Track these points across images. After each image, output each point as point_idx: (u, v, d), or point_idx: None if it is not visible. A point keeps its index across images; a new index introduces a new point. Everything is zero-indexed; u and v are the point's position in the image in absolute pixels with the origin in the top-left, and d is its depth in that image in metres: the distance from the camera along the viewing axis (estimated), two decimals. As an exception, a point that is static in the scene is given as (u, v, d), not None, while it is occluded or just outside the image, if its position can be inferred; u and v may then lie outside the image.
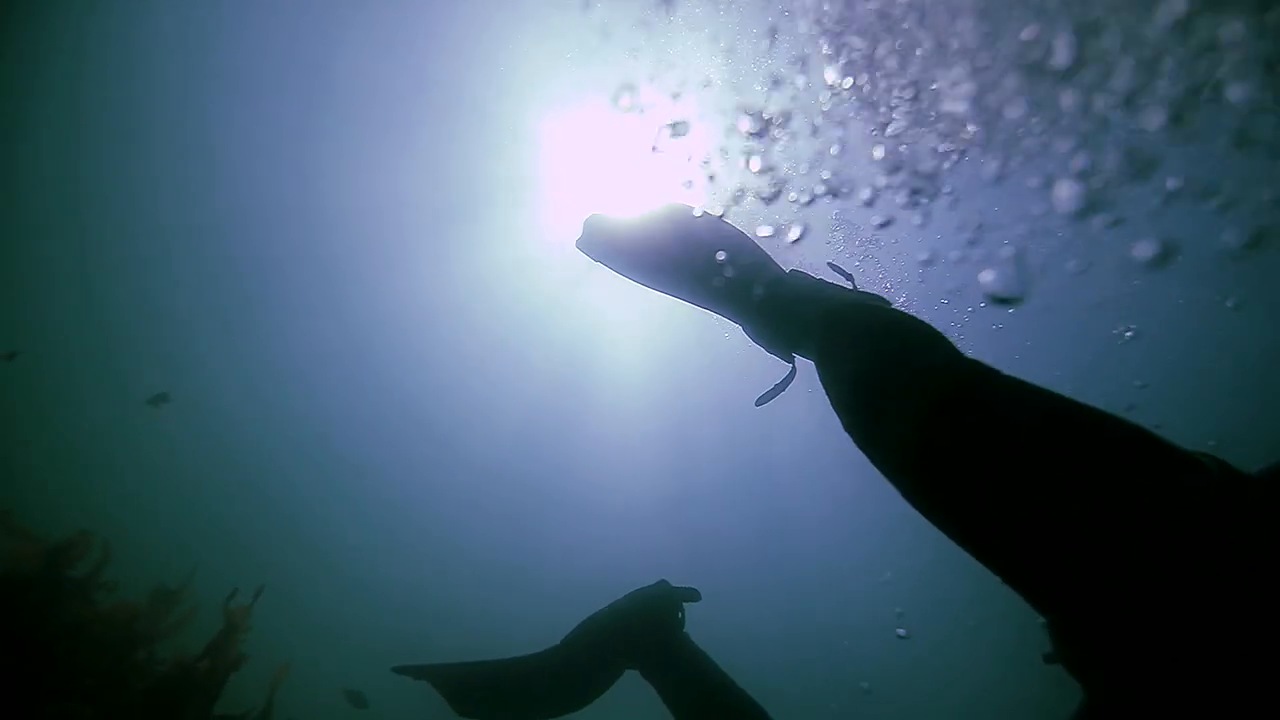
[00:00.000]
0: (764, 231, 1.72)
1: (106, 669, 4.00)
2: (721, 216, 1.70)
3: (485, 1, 10.77)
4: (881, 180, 1.81)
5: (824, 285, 1.61)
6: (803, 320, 1.53)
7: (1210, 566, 0.77)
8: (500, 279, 13.34)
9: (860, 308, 1.39)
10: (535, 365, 14.57)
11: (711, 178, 2.38)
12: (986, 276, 1.40)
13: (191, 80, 12.50)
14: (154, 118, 12.71)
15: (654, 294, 1.80)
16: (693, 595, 1.91)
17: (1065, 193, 1.41)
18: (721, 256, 1.61)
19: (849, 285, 1.64)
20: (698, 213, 1.69)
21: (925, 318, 1.28)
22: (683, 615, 1.91)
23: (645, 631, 1.83)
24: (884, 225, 1.88)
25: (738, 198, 2.08)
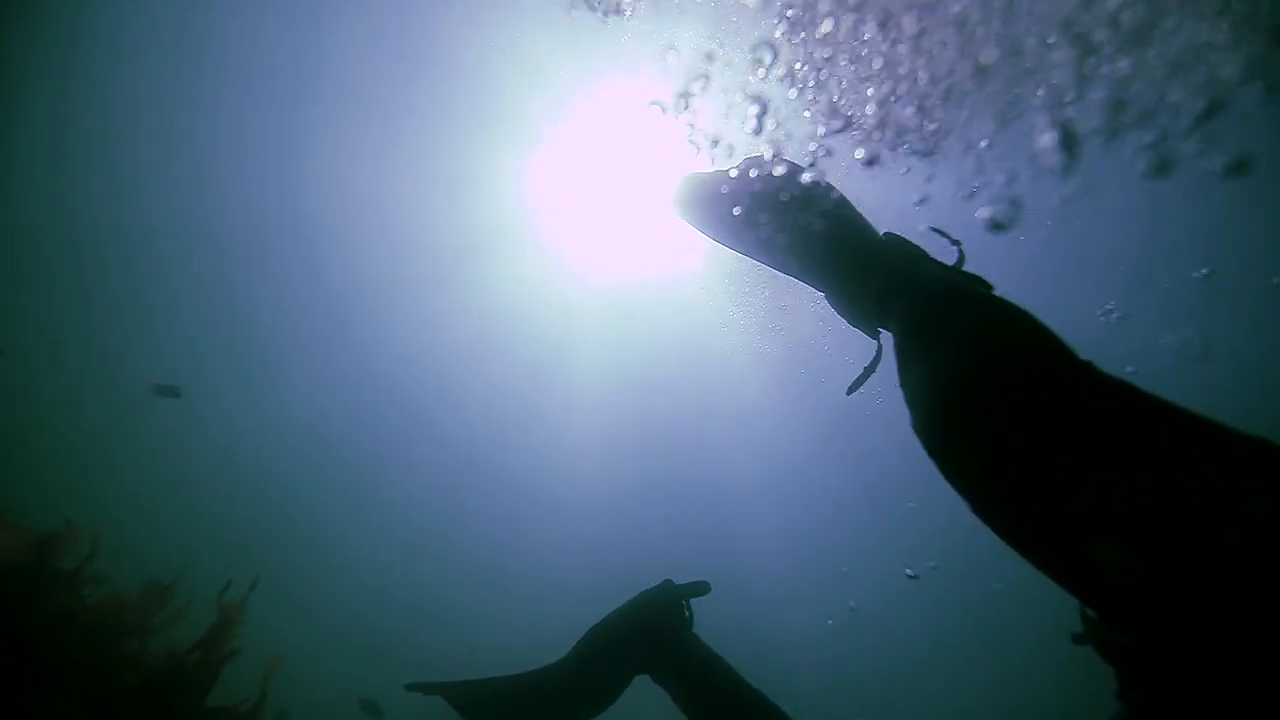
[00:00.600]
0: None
1: (96, 660, 3.94)
2: (809, 172, 1.61)
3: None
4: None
5: (920, 257, 1.50)
6: (893, 295, 1.44)
7: None
8: (499, 282, 13.32)
9: (964, 296, 1.29)
10: (536, 364, 14.54)
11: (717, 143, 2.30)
12: (983, 212, 1.35)
13: (192, 81, 12.48)
14: (152, 117, 12.71)
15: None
16: (700, 589, 1.87)
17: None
18: (805, 216, 1.54)
19: (955, 248, 1.52)
20: (780, 170, 1.61)
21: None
22: (690, 614, 1.87)
23: (651, 633, 1.80)
24: (870, 163, 1.77)
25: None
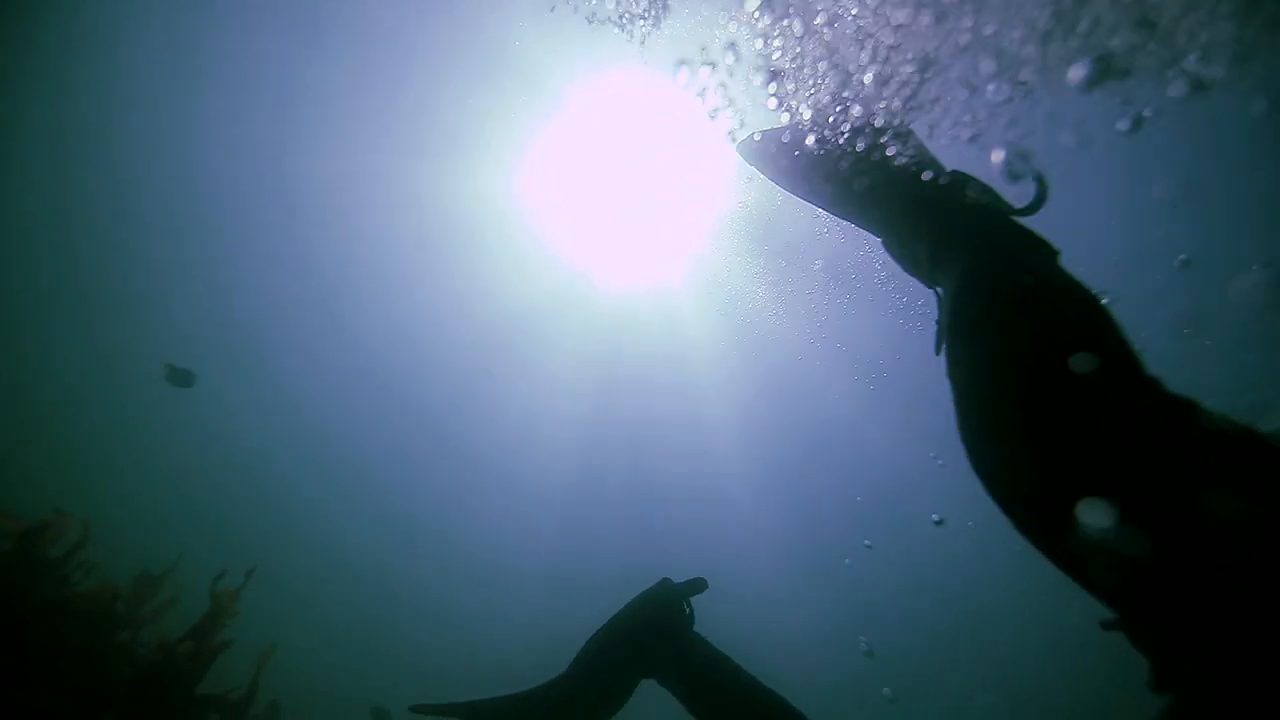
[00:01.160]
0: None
1: (87, 649, 3.89)
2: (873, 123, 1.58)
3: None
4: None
5: (983, 209, 1.41)
6: (947, 252, 1.37)
7: None
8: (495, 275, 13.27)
9: (1018, 283, 1.20)
10: (532, 362, 14.50)
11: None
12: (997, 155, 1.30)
13: (185, 77, 12.37)
14: (149, 115, 12.60)
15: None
16: (698, 586, 1.85)
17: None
18: (863, 151, 1.51)
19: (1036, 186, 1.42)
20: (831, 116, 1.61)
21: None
22: (691, 611, 1.85)
23: (652, 632, 1.78)
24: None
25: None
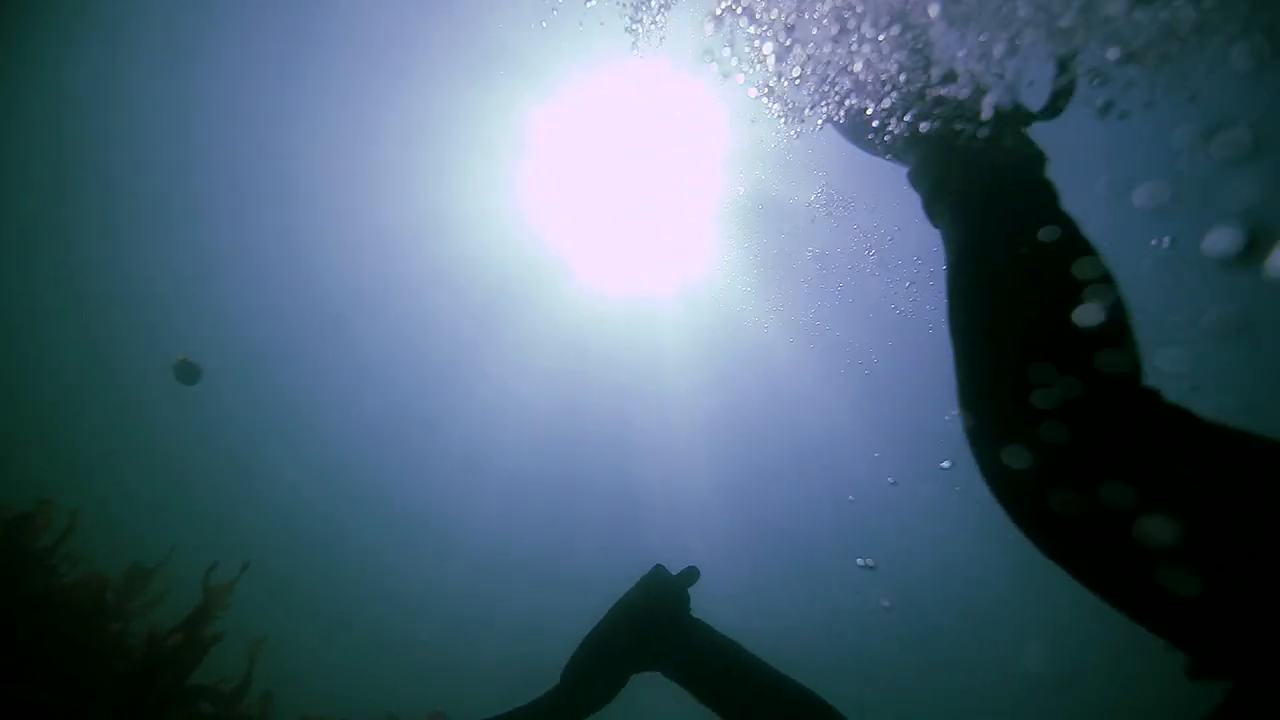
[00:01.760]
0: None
1: (75, 640, 3.85)
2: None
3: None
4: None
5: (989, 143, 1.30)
6: (941, 185, 1.28)
7: None
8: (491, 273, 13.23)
9: (1008, 232, 1.14)
10: (524, 357, 14.46)
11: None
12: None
13: (189, 80, 12.35)
14: (146, 114, 12.57)
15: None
16: (692, 576, 1.83)
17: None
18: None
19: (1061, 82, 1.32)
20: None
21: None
22: (687, 598, 1.83)
23: (652, 622, 1.76)
24: None
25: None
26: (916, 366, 10.25)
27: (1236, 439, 0.88)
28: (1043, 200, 1.18)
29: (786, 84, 1.87)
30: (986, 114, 1.27)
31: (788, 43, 1.80)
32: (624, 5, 3.15)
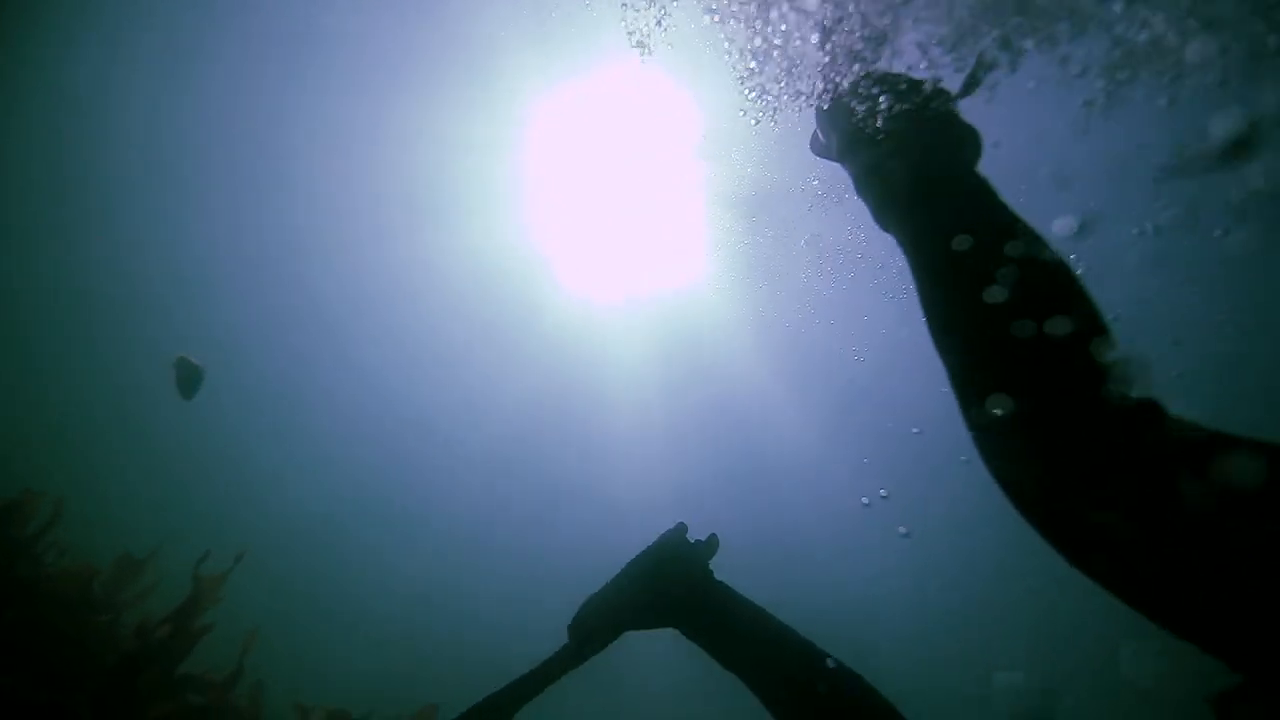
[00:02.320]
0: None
1: (61, 630, 3.80)
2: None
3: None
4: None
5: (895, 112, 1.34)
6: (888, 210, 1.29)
7: None
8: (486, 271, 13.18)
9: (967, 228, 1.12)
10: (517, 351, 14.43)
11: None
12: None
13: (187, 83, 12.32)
14: (143, 113, 12.54)
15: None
16: (712, 545, 1.83)
17: None
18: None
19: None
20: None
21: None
22: (704, 562, 1.82)
23: (672, 581, 1.74)
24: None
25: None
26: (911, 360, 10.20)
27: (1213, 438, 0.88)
28: (986, 200, 1.19)
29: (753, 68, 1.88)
30: (918, 97, 1.32)
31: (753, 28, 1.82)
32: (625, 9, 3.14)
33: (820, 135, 1.53)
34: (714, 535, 1.83)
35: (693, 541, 1.82)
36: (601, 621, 1.72)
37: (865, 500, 14.16)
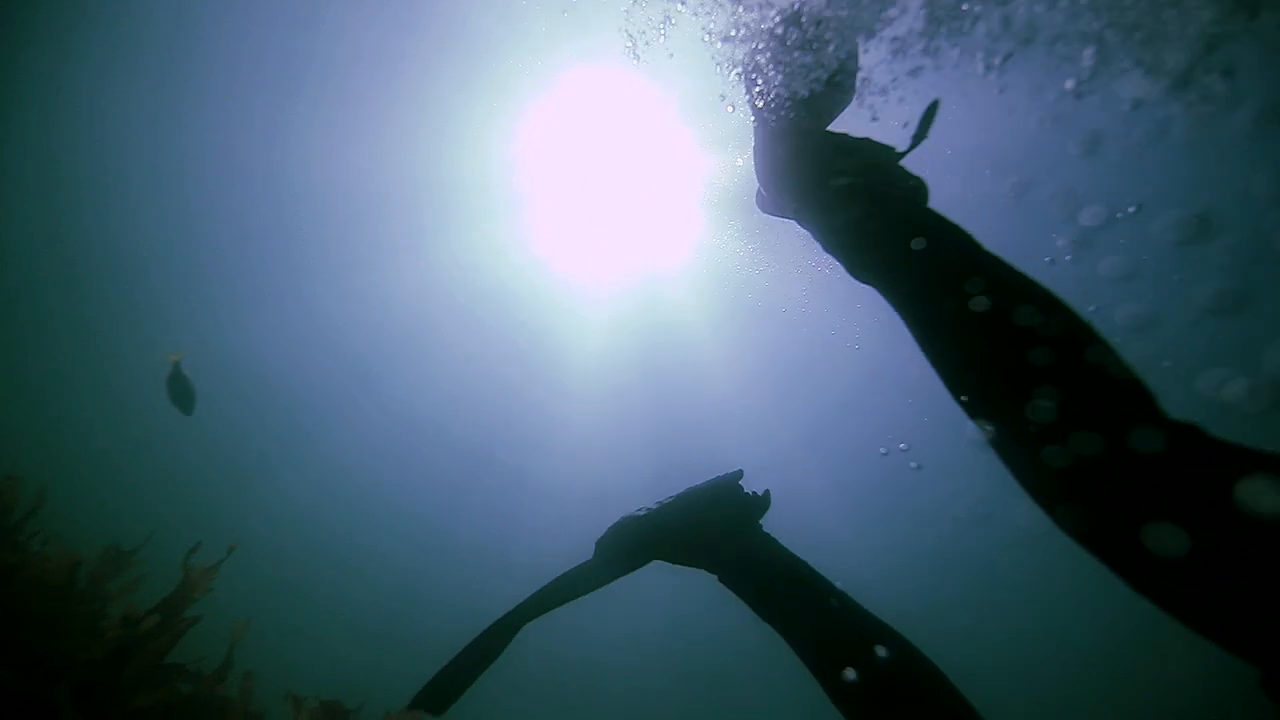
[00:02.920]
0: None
1: (42, 616, 3.70)
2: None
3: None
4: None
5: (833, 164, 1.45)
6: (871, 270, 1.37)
7: None
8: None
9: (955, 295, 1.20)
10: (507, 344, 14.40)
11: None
12: None
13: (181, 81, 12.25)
14: (142, 111, 12.45)
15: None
16: (765, 500, 1.88)
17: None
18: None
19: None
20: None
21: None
22: (752, 513, 1.86)
23: (701, 519, 1.78)
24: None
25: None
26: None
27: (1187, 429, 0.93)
28: (959, 239, 1.25)
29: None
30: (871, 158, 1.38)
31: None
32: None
33: (766, 192, 1.66)
34: (768, 491, 1.84)
35: (748, 492, 1.84)
36: (636, 543, 1.82)
37: (883, 450, 14.24)
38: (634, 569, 1.83)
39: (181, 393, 8.03)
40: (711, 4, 1.72)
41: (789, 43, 1.54)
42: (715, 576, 1.75)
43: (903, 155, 1.44)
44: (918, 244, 1.21)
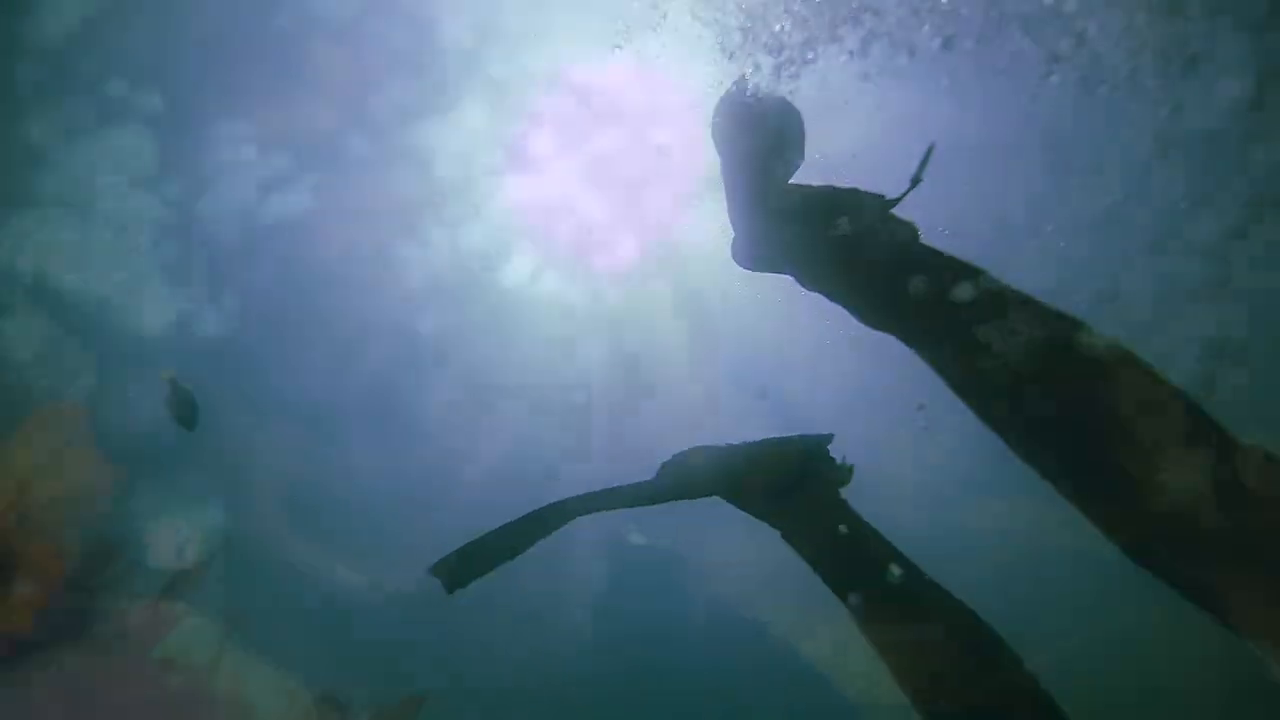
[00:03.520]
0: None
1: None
2: None
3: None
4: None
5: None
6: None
7: None
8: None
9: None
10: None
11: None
12: None
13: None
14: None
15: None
16: (847, 471, 1.88)
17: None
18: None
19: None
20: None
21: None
22: (825, 476, 1.84)
23: (795, 472, 1.77)
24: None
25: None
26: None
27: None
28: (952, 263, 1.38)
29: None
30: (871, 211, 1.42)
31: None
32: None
33: (751, 244, 1.71)
34: (852, 465, 1.85)
35: (833, 457, 1.86)
36: (703, 472, 1.70)
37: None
38: (692, 497, 1.80)
39: (184, 407, 7.78)
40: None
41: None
42: (779, 533, 1.74)
43: (895, 202, 1.48)
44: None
